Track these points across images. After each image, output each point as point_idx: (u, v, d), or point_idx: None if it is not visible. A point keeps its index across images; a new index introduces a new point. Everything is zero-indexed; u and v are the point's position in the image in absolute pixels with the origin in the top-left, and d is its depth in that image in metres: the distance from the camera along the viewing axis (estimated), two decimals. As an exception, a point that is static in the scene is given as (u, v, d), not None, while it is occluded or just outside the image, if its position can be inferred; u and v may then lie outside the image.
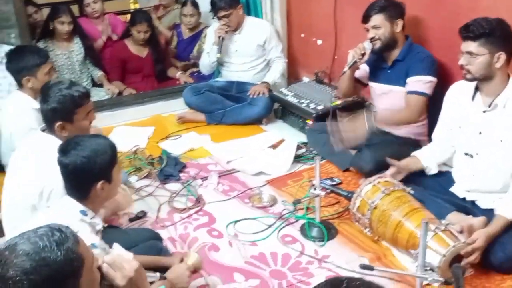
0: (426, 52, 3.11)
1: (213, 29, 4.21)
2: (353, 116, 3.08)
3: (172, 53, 5.03)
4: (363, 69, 3.35)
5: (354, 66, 3.22)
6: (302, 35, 4.41)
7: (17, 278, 1.15)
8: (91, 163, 1.87)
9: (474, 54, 2.39)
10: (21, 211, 2.18)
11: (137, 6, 6.61)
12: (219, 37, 4.00)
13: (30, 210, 2.15)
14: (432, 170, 2.77)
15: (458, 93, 2.65)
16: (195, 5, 4.86)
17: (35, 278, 1.15)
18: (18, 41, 3.83)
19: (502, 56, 2.37)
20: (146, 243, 2.41)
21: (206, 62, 4.26)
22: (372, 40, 3.09)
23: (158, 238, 2.59)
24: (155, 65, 4.72)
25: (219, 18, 4.03)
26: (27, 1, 4.75)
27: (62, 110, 2.25)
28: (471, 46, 2.39)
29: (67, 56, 4.37)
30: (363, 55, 3.14)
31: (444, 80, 3.07)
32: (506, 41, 2.38)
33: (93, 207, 1.91)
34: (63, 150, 1.91)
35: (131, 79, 4.71)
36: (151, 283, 1.76)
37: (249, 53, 4.19)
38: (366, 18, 3.11)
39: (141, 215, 2.90)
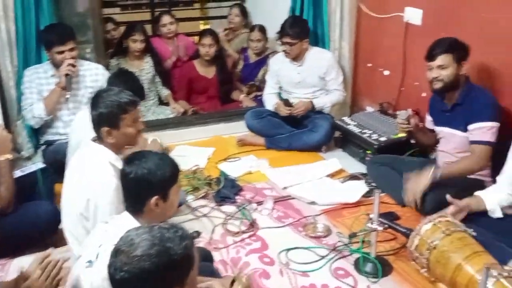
0: (487, 95, 2.98)
1: (273, 60, 4.32)
2: (419, 171, 2.99)
3: (237, 76, 5.10)
4: (429, 120, 3.31)
5: (415, 129, 3.24)
6: (369, 65, 4.37)
7: (143, 257, 1.31)
8: (151, 174, 1.91)
9: None
10: (73, 220, 2.26)
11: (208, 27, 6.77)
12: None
13: (79, 219, 2.22)
14: (496, 213, 2.64)
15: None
16: (263, 31, 4.93)
17: (157, 261, 1.32)
18: (93, 56, 4.01)
19: None
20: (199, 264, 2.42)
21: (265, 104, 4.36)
22: (433, 79, 3.00)
23: (210, 257, 2.59)
24: (220, 87, 4.80)
25: (282, 43, 4.06)
26: (107, 18, 4.99)
27: (108, 116, 2.28)
28: None
29: (137, 74, 4.44)
30: (408, 122, 3.18)
31: (507, 120, 2.98)
32: None
33: (147, 224, 1.93)
34: (128, 160, 1.97)
35: (196, 99, 4.80)
36: None
37: (312, 84, 4.17)
38: (432, 56, 2.98)
39: (195, 235, 2.92)
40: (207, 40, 4.63)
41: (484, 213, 2.67)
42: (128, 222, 1.89)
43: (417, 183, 2.93)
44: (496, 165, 2.89)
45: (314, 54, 4.15)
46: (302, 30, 4.06)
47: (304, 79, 4.16)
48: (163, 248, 1.33)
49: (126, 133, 2.32)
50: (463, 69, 2.97)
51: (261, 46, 4.94)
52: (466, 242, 2.39)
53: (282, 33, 4.04)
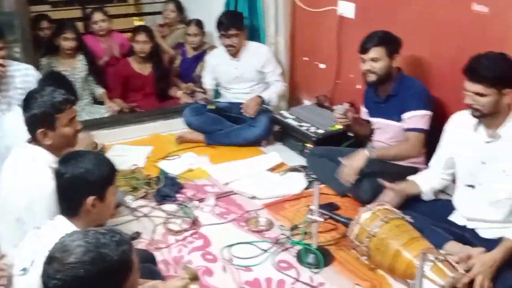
0: (419, 85, 3.09)
1: (211, 55, 4.33)
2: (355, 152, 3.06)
3: (175, 71, 5.02)
4: (364, 111, 3.38)
5: (353, 123, 3.29)
6: (305, 59, 4.41)
7: (76, 265, 1.25)
8: (88, 174, 1.86)
9: (483, 94, 2.36)
10: (10, 225, 2.15)
11: (142, 23, 6.64)
12: None
13: (18, 224, 2.12)
14: (427, 195, 2.75)
15: (459, 124, 2.63)
16: (200, 25, 4.88)
17: (91, 268, 1.26)
18: (22, 56, 3.84)
19: (510, 93, 2.35)
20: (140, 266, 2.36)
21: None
22: (366, 72, 3.07)
23: (152, 260, 2.54)
24: (156, 84, 4.71)
25: (227, 36, 4.02)
26: (41, 16, 4.81)
27: (42, 116, 2.20)
28: (478, 87, 2.35)
29: (70, 73, 4.31)
30: (346, 116, 3.22)
31: (439, 110, 3.08)
32: None
33: (83, 227, 1.87)
34: (63, 160, 1.92)
35: (132, 97, 4.69)
36: None
37: (250, 78, 4.19)
38: (365, 49, 3.04)
39: (135, 236, 2.85)
40: (142, 36, 4.54)
41: (420, 198, 2.77)
42: (63, 226, 1.82)
43: (353, 161, 2.99)
44: (430, 153, 2.99)
45: (251, 49, 4.16)
46: (241, 21, 4.09)
47: (241, 74, 4.16)
48: (98, 255, 1.28)
49: (63, 133, 2.25)
50: (395, 61, 3.06)
51: (198, 41, 4.89)
52: (403, 229, 2.47)
53: (226, 25, 4.01)
